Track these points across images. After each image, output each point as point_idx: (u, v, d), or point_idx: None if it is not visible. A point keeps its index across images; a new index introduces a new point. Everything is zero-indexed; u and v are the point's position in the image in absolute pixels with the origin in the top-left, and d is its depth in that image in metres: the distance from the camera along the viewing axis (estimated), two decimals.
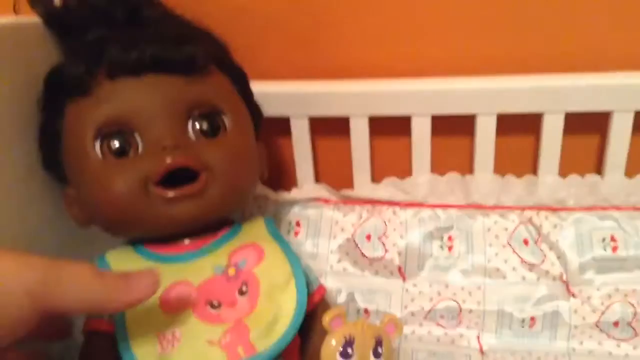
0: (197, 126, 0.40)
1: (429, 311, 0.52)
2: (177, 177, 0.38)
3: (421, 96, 0.53)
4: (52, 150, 0.42)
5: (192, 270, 0.39)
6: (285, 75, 0.55)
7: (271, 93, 0.52)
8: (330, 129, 0.58)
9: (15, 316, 0.28)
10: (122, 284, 0.31)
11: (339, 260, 0.55)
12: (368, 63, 0.56)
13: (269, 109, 0.50)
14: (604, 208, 0.53)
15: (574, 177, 0.55)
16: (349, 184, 0.58)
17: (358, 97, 0.54)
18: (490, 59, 0.55)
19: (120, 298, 0.31)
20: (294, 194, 0.58)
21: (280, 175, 0.61)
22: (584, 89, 0.52)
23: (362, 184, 0.58)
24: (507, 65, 0.54)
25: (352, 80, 0.54)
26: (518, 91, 0.52)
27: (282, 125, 0.56)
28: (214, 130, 0.41)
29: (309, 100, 0.55)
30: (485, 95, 0.53)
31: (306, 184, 0.59)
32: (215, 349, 0.35)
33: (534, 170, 0.56)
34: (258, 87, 0.48)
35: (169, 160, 0.37)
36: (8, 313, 0.28)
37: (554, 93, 0.52)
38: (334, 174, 0.60)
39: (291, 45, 0.57)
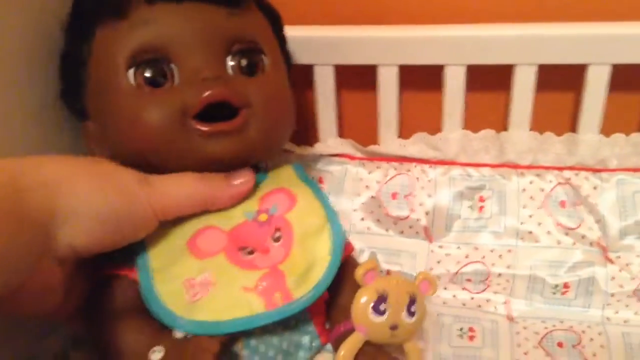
0: (236, 62, 0.38)
1: (456, 274, 0.51)
2: (213, 114, 0.36)
3: (456, 43, 0.50)
4: (75, 79, 0.39)
5: (221, 215, 0.38)
6: (310, 21, 0.52)
7: (294, 38, 0.48)
8: (356, 79, 0.55)
9: (140, 222, 0.33)
10: (224, 181, 0.36)
11: (362, 219, 0.53)
12: (399, 9, 0.53)
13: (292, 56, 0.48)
14: None
15: (617, 136, 0.52)
16: (374, 139, 0.55)
17: (387, 44, 0.50)
18: (531, 5, 0.51)
19: (224, 193, 0.36)
20: (317, 148, 0.55)
21: (301, 129, 0.58)
22: (634, 39, 0.48)
23: (389, 140, 0.55)
24: (548, 13, 0.50)
25: (381, 26, 0.51)
26: (561, 40, 0.48)
27: (304, 74, 0.53)
28: (252, 68, 0.39)
29: (334, 46, 0.51)
30: (526, 43, 0.49)
31: (330, 139, 0.56)
32: (252, 294, 0.34)
33: (575, 128, 0.53)
34: None
35: (209, 92, 0.35)
36: (135, 221, 0.33)
37: (599, 42, 0.48)
38: (359, 129, 0.57)
39: None
